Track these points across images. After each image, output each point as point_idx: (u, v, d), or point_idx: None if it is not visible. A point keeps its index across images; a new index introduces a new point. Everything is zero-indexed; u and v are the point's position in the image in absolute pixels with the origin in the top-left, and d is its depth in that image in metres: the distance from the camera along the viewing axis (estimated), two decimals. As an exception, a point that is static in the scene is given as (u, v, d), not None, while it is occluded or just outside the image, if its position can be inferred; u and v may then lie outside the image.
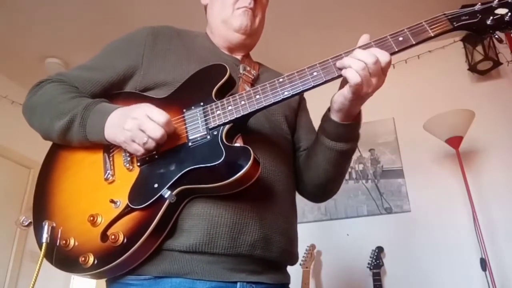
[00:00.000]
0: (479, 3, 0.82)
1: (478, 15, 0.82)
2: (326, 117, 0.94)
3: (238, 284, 0.85)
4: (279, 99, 0.84)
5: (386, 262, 2.60)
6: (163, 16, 2.77)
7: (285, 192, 0.97)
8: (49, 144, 1.00)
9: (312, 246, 2.72)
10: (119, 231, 0.80)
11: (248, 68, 1.05)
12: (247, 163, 0.77)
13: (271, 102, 0.84)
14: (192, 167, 0.81)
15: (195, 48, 1.06)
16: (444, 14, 0.83)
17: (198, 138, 0.85)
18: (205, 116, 0.86)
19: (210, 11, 1.13)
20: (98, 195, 0.87)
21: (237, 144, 0.85)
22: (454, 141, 2.54)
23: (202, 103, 0.88)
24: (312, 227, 2.94)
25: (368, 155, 3.07)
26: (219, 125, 0.84)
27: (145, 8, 2.77)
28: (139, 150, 0.82)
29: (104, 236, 0.81)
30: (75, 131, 0.89)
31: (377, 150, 3.06)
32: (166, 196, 0.80)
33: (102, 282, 0.91)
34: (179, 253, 0.83)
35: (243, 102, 0.85)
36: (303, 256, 2.60)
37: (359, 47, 0.83)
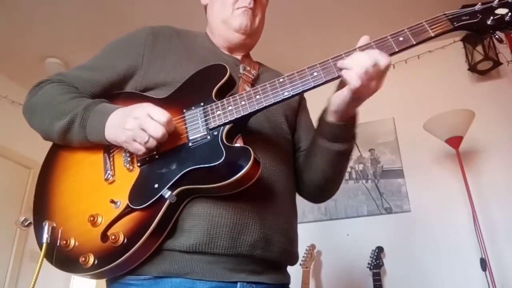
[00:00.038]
0: (480, 3, 0.82)
1: (478, 15, 0.82)
2: (322, 118, 0.94)
3: (238, 284, 0.85)
4: (279, 99, 0.84)
5: (386, 262, 2.60)
6: (163, 16, 2.77)
7: (285, 192, 0.97)
8: (49, 144, 1.00)
9: (312, 246, 2.72)
10: (119, 231, 0.80)
11: (248, 68, 1.05)
12: (247, 163, 0.77)
13: (272, 102, 0.84)
14: (193, 167, 0.81)
15: (195, 48, 1.06)
16: (445, 14, 0.83)
17: (198, 138, 0.85)
18: (205, 116, 0.86)
19: (210, 11, 1.13)
20: (98, 195, 0.87)
21: (237, 145, 0.85)
22: (454, 141, 2.54)
23: (202, 103, 0.88)
24: (312, 227, 2.94)
25: (368, 155, 3.07)
26: (219, 125, 0.84)
27: (145, 8, 2.77)
28: (140, 149, 0.82)
29: (104, 236, 0.81)
30: (75, 131, 0.89)
31: (377, 150, 3.06)
32: (166, 196, 0.80)
33: (102, 282, 0.91)
34: (179, 253, 0.83)
35: (243, 103, 0.85)
36: (303, 256, 2.60)
37: (360, 48, 0.83)
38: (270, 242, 0.88)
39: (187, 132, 0.86)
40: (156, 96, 0.94)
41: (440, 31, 0.81)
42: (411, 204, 2.82)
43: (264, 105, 0.84)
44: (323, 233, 2.94)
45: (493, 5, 0.81)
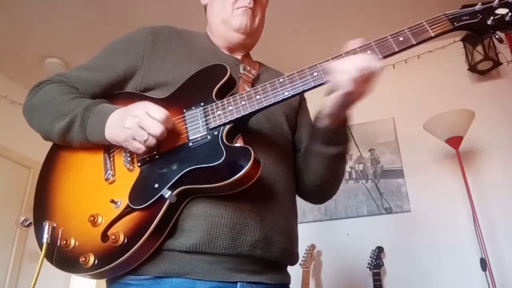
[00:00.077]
0: (480, 3, 0.82)
1: (478, 15, 0.82)
2: (315, 122, 0.94)
3: (238, 284, 0.85)
4: (279, 99, 0.84)
5: (386, 262, 2.60)
6: (163, 16, 2.77)
7: (286, 192, 0.97)
8: (49, 144, 1.00)
9: (312, 246, 2.72)
10: (119, 231, 0.80)
11: (248, 68, 1.05)
12: (247, 163, 0.77)
13: (272, 102, 0.84)
14: (193, 167, 0.81)
15: (195, 48, 1.06)
16: (445, 14, 0.83)
17: (199, 138, 0.85)
18: (205, 116, 0.86)
19: (210, 11, 1.13)
20: (98, 195, 0.87)
21: (237, 144, 0.85)
22: (454, 141, 2.54)
23: (202, 103, 0.88)
24: (312, 227, 2.94)
25: (368, 155, 3.07)
26: (219, 125, 0.84)
27: (145, 8, 2.77)
28: (140, 148, 0.82)
29: (104, 236, 0.81)
30: (75, 132, 0.89)
31: (377, 150, 3.06)
32: (166, 196, 0.80)
33: (102, 282, 0.91)
34: (180, 253, 0.83)
35: (243, 102, 0.85)
36: (303, 256, 2.60)
37: (346, 53, 0.83)
38: (270, 242, 0.88)
39: (187, 132, 0.86)
40: (156, 96, 0.94)
41: (440, 31, 0.81)
42: (411, 204, 2.82)
43: (264, 105, 0.84)
44: (323, 233, 2.94)
45: (493, 5, 0.81)
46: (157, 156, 0.85)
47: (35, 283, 0.83)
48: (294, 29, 3.02)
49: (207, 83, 0.90)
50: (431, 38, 0.81)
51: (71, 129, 0.90)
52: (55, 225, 0.87)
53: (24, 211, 3.19)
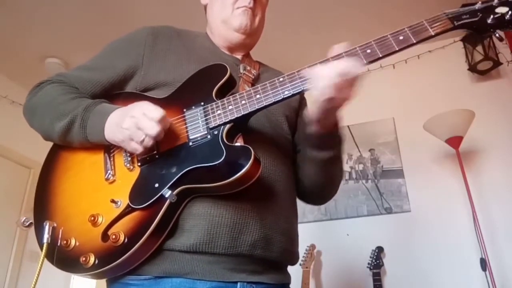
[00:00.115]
0: (480, 2, 0.82)
1: (478, 13, 0.81)
2: (305, 128, 0.94)
3: (239, 284, 0.85)
4: (279, 99, 0.84)
5: (386, 262, 2.60)
6: (163, 16, 2.77)
7: (286, 192, 0.97)
8: (49, 144, 1.00)
9: (312, 246, 2.72)
10: (120, 231, 0.80)
11: (248, 68, 1.05)
12: (247, 162, 0.77)
13: (272, 102, 0.84)
14: (193, 167, 0.81)
15: (195, 48, 1.06)
16: (445, 13, 0.83)
17: (199, 138, 0.85)
18: (205, 116, 0.86)
19: (210, 11, 1.13)
20: (99, 195, 0.87)
21: (237, 144, 0.85)
22: (454, 141, 2.54)
23: (202, 103, 0.88)
24: (312, 227, 2.93)
25: (368, 155, 3.07)
26: (219, 125, 0.84)
27: (145, 8, 2.77)
28: (137, 148, 0.82)
29: (105, 236, 0.81)
30: (75, 132, 0.89)
31: (377, 150, 3.06)
32: (166, 195, 0.80)
33: (102, 282, 0.91)
34: (180, 253, 0.83)
35: (243, 102, 0.85)
36: (303, 256, 2.60)
37: (333, 57, 0.82)
38: (270, 242, 0.88)
39: (187, 132, 0.86)
40: (156, 96, 0.94)
41: (440, 30, 0.81)
42: (411, 204, 2.82)
43: (264, 104, 0.84)
44: (323, 233, 2.94)
45: (493, 4, 0.81)
46: (157, 156, 0.85)
47: (35, 283, 0.83)
48: (294, 29, 3.02)
49: (207, 82, 0.90)
50: (431, 37, 0.81)
51: (71, 129, 0.90)
52: (55, 225, 0.87)
53: (25, 211, 3.19)
